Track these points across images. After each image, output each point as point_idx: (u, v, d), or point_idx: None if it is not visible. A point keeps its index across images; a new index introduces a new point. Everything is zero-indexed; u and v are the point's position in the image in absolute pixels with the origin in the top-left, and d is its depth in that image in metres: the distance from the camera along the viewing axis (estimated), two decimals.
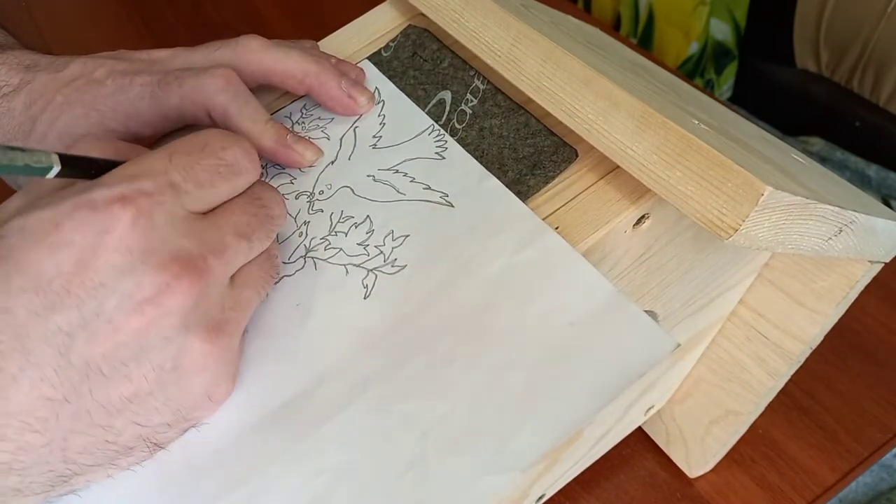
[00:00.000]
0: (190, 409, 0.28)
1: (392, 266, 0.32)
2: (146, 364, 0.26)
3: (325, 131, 0.37)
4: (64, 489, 0.26)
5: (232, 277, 0.28)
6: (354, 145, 0.36)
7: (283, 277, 0.32)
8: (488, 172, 0.33)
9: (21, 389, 0.24)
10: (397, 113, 0.37)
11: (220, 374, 0.28)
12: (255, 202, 0.29)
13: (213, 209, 0.28)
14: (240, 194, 0.29)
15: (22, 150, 0.24)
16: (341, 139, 0.37)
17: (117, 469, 0.27)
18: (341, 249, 0.33)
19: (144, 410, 0.26)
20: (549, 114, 0.33)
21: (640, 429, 0.50)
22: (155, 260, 0.25)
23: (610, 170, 0.32)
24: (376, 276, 0.31)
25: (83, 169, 0.27)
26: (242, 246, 0.28)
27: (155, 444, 0.27)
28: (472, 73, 0.37)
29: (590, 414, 0.28)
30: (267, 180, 0.36)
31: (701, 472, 0.49)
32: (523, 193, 0.32)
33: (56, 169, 0.25)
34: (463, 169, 0.34)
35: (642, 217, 0.32)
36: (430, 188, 0.34)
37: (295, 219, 0.34)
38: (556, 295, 0.30)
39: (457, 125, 0.36)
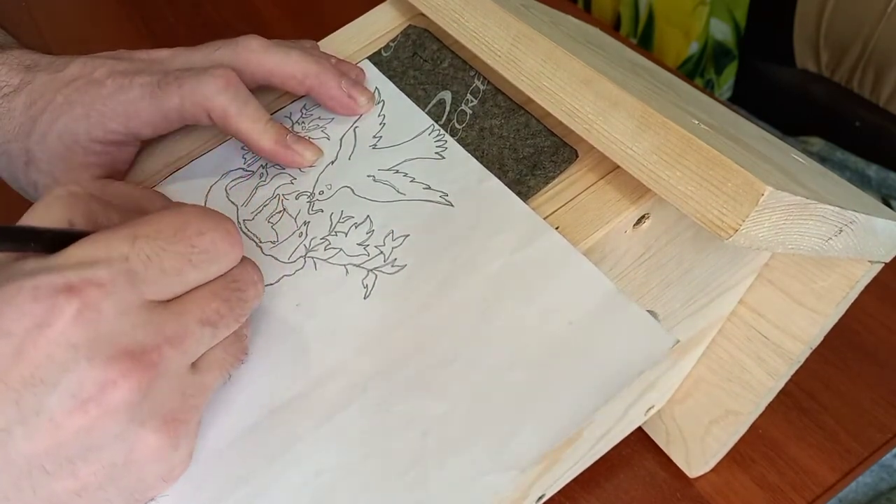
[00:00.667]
0: (144, 492, 0.26)
1: (392, 266, 0.32)
2: (95, 462, 0.24)
3: (325, 131, 0.37)
4: None
5: (196, 362, 0.27)
6: (354, 145, 0.36)
7: (283, 277, 0.32)
8: (488, 172, 0.33)
9: None
10: (397, 113, 0.37)
11: (177, 461, 0.26)
12: (229, 286, 0.27)
13: (179, 296, 0.26)
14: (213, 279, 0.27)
15: None
16: (341, 139, 0.37)
17: None
18: (341, 249, 0.33)
19: (94, 500, 0.25)
20: (549, 114, 0.33)
21: (640, 429, 0.50)
22: (101, 355, 0.23)
23: (610, 170, 0.32)
24: (376, 276, 0.31)
25: (27, 241, 0.24)
26: (206, 333, 0.26)
27: None
28: (472, 73, 0.37)
29: (590, 413, 0.28)
30: (267, 180, 0.36)
31: (701, 472, 0.49)
32: (523, 194, 0.32)
33: None
34: (463, 169, 0.34)
35: (642, 217, 0.32)
36: (430, 188, 0.34)
37: (295, 219, 0.34)
38: (556, 294, 0.30)
39: (457, 125, 0.36)
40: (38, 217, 0.26)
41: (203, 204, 0.36)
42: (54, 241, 0.25)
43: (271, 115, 0.37)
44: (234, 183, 0.36)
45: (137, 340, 0.24)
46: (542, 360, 0.29)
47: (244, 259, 0.28)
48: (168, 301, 0.26)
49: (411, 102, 0.37)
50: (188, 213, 0.26)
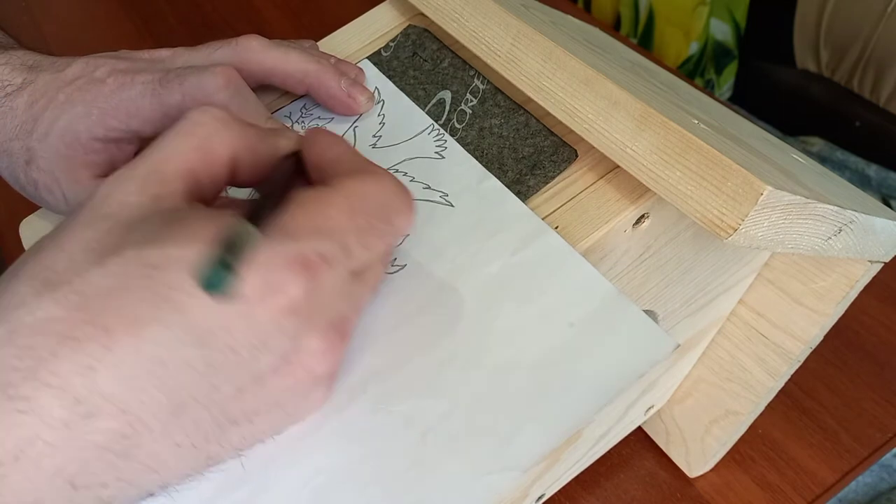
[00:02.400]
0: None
1: (392, 265, 0.32)
2: (276, 421, 0.26)
3: None
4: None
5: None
6: (354, 145, 0.36)
7: None
8: (488, 172, 0.33)
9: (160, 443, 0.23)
10: (397, 112, 0.37)
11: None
12: (389, 253, 0.30)
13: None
14: None
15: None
16: None
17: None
18: None
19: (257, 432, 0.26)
20: (548, 114, 0.33)
21: (640, 429, 0.50)
22: (318, 327, 0.25)
23: (610, 169, 0.32)
24: None
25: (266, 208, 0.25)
26: (371, 299, 0.29)
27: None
28: (472, 72, 0.37)
29: (590, 414, 0.28)
30: None
31: (701, 472, 0.49)
32: (523, 193, 0.32)
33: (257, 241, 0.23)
34: (463, 168, 0.34)
35: (642, 217, 0.32)
36: (429, 187, 0.34)
37: None
38: (557, 295, 0.30)
39: (457, 125, 0.36)
40: (196, 150, 0.26)
41: None
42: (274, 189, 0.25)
43: (271, 114, 0.37)
44: None
45: (342, 312, 0.26)
46: (542, 362, 0.29)
47: None
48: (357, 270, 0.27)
49: (411, 102, 0.37)
50: (391, 190, 0.27)
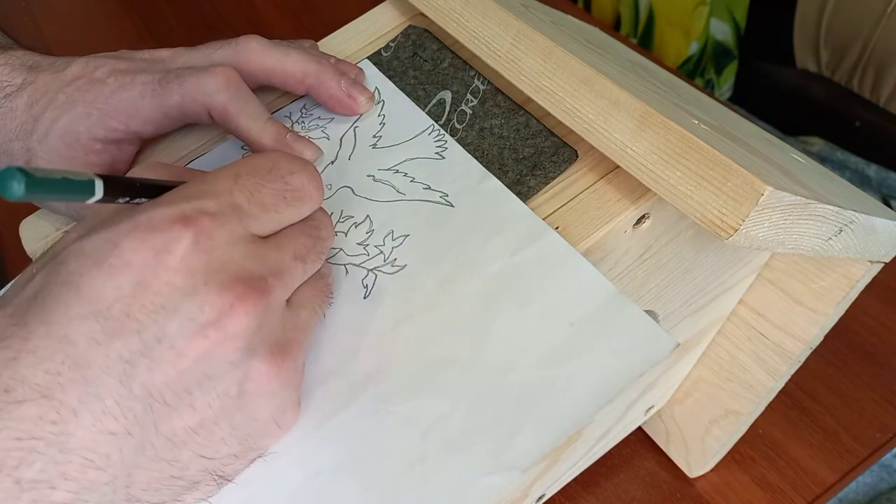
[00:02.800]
0: (257, 437, 0.27)
1: (392, 266, 0.32)
2: (211, 391, 0.25)
3: (325, 131, 0.37)
4: None
5: (287, 300, 0.28)
6: (354, 145, 0.36)
7: None
8: (488, 172, 0.33)
9: (82, 423, 0.23)
10: (397, 113, 0.37)
11: (287, 399, 0.27)
12: (311, 224, 0.29)
13: (274, 233, 0.28)
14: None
15: (65, 172, 0.23)
16: (341, 139, 0.37)
17: None
18: (341, 249, 0.33)
19: (210, 441, 0.25)
20: (549, 114, 0.33)
21: (640, 429, 0.50)
22: (217, 281, 0.24)
23: (610, 170, 0.32)
24: (376, 275, 0.31)
25: (135, 191, 0.26)
26: (299, 268, 0.28)
27: (221, 476, 0.26)
28: (472, 73, 0.37)
29: (590, 414, 0.28)
30: None
31: (701, 472, 0.49)
32: (523, 194, 0.32)
33: (98, 193, 0.23)
34: (463, 168, 0.34)
35: (642, 217, 0.32)
36: (429, 188, 0.34)
37: None
38: (557, 295, 0.30)
39: (457, 125, 0.36)
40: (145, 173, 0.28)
41: None
42: (156, 192, 0.26)
43: (271, 114, 0.37)
44: None
45: (247, 269, 0.25)
46: (542, 362, 0.29)
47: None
48: (266, 237, 0.27)
49: (411, 102, 0.37)
50: (276, 157, 0.28)
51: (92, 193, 0.23)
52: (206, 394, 0.25)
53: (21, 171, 0.21)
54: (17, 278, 0.26)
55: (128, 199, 0.25)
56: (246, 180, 0.26)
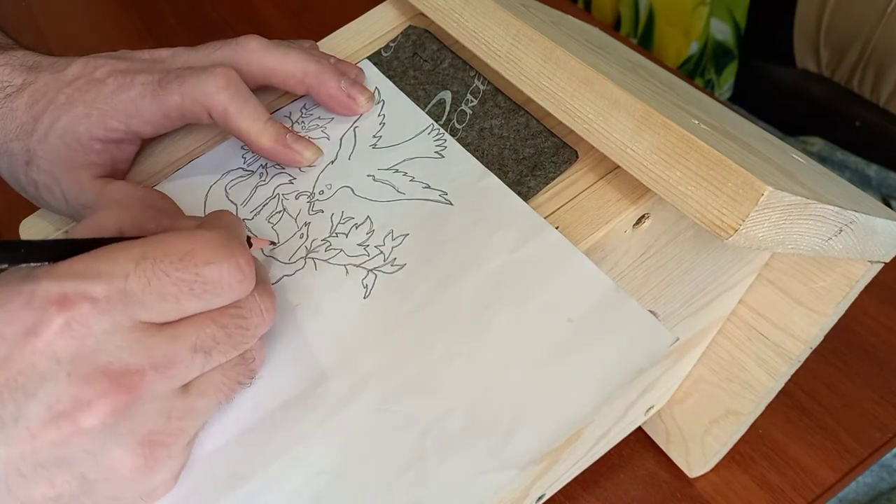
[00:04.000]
0: None
1: (392, 265, 0.32)
2: (69, 471, 0.24)
3: (325, 131, 0.37)
4: None
5: (188, 384, 0.26)
6: (354, 145, 0.36)
7: (283, 278, 0.32)
8: (487, 170, 0.33)
9: None
10: (397, 113, 0.37)
11: (156, 482, 0.26)
12: (230, 313, 0.26)
13: (174, 321, 0.26)
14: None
15: None
16: (341, 139, 0.37)
17: None
18: (342, 250, 0.33)
19: None
20: (549, 114, 0.33)
21: (640, 429, 0.50)
22: (81, 372, 0.23)
23: (610, 170, 0.32)
24: (376, 275, 0.31)
25: (29, 257, 0.24)
26: (198, 359, 0.26)
27: None
28: (472, 73, 0.37)
29: (590, 410, 0.28)
30: (267, 180, 0.36)
31: (701, 472, 0.49)
32: (524, 194, 0.32)
33: None
34: (462, 167, 0.34)
35: (642, 217, 0.32)
36: (429, 187, 0.34)
37: (295, 219, 0.34)
38: (556, 291, 0.30)
39: (457, 125, 0.36)
40: (92, 225, 0.27)
41: (203, 203, 0.36)
42: (64, 253, 0.25)
43: (271, 114, 0.37)
44: (233, 182, 0.36)
45: (122, 361, 0.24)
46: (541, 359, 0.29)
47: (258, 284, 0.27)
48: (162, 324, 0.25)
49: (411, 102, 0.37)
50: (199, 240, 0.25)
51: None
52: (63, 472, 0.24)
53: None
54: None
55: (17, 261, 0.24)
56: (148, 265, 0.24)
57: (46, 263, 0.25)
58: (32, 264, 0.25)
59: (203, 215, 0.30)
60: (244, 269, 0.26)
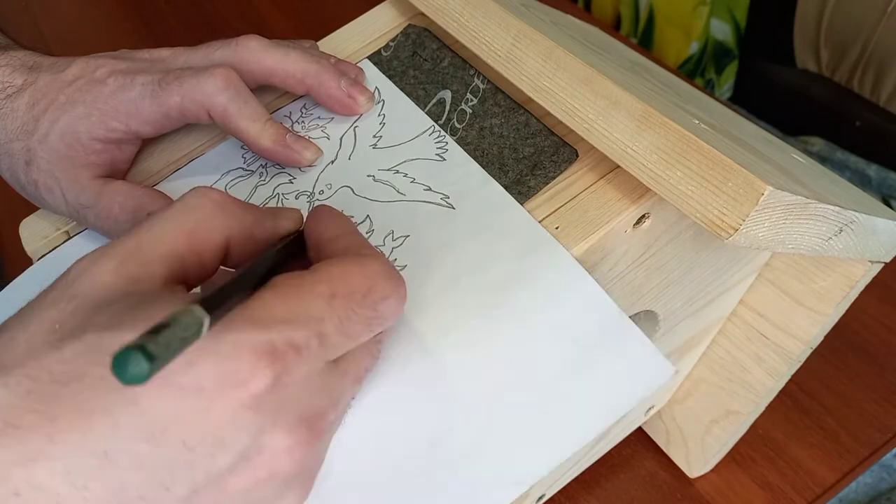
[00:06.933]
0: None
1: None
2: None
3: (325, 131, 0.37)
4: None
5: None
6: (354, 145, 0.36)
7: None
8: (489, 176, 0.33)
9: None
10: (397, 113, 0.37)
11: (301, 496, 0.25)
12: (376, 340, 0.27)
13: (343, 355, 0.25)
14: None
15: (165, 326, 0.19)
16: (341, 139, 0.36)
17: None
18: None
19: None
20: (549, 113, 0.33)
21: (640, 429, 0.50)
22: (284, 422, 0.22)
23: (610, 169, 0.32)
24: None
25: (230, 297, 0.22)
26: (355, 391, 0.26)
27: None
28: (472, 72, 0.37)
29: (591, 435, 0.28)
30: (266, 180, 0.36)
31: (701, 472, 0.49)
32: (523, 194, 0.32)
33: (206, 330, 0.20)
34: (463, 171, 0.34)
35: (642, 217, 0.32)
36: (430, 189, 0.33)
37: None
38: (561, 310, 0.29)
39: (457, 125, 0.36)
40: (190, 234, 0.24)
41: None
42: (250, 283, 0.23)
43: (271, 114, 0.37)
44: (233, 182, 0.36)
45: (314, 406, 0.23)
46: (545, 378, 0.29)
47: None
48: (335, 360, 0.25)
49: (411, 102, 0.37)
50: (377, 274, 0.25)
51: (199, 334, 0.20)
52: None
53: (141, 350, 0.18)
54: (29, 310, 0.23)
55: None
56: (340, 304, 0.24)
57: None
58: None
59: (253, 203, 0.28)
60: (404, 299, 0.26)
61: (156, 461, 0.21)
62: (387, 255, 0.32)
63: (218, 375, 0.21)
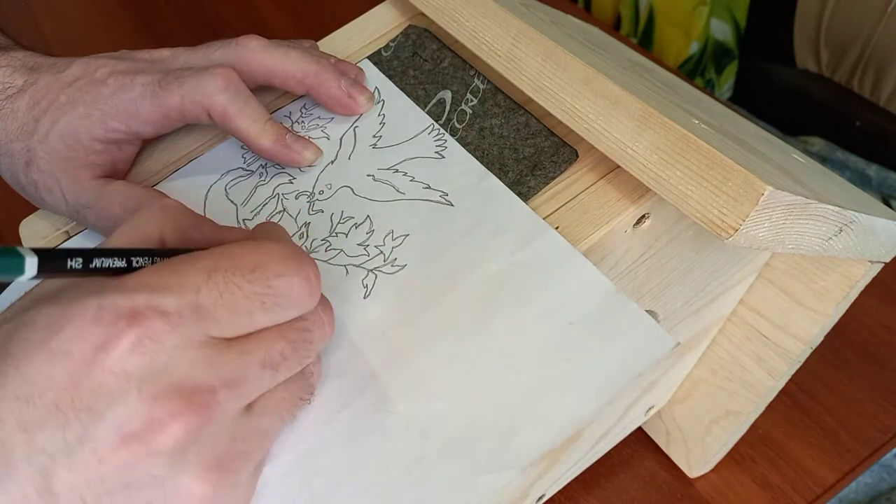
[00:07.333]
0: None
1: (392, 266, 0.32)
2: (134, 498, 0.23)
3: (325, 131, 0.37)
4: None
5: (251, 403, 0.25)
6: (354, 145, 0.36)
7: None
8: (488, 171, 0.33)
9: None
10: (397, 112, 0.37)
11: None
12: (296, 327, 0.26)
13: (244, 335, 0.24)
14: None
15: None
16: (341, 139, 0.37)
17: None
18: (342, 250, 0.33)
19: None
20: (549, 114, 0.33)
21: (640, 429, 0.50)
22: (153, 390, 0.22)
23: (610, 169, 0.32)
24: (376, 275, 0.31)
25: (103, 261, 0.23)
26: (266, 375, 0.25)
27: None
28: (472, 72, 0.37)
29: (590, 413, 0.28)
30: (266, 180, 0.36)
31: (701, 472, 0.49)
32: (524, 194, 0.32)
33: (30, 272, 0.21)
34: (463, 168, 0.34)
35: (642, 217, 0.32)
36: (429, 187, 0.34)
37: (295, 219, 0.34)
38: (557, 294, 0.30)
39: (457, 125, 0.36)
40: (131, 230, 0.26)
41: (203, 203, 0.36)
42: (131, 263, 0.24)
43: (271, 114, 0.37)
44: (233, 182, 0.36)
45: (193, 378, 0.23)
46: (542, 361, 0.29)
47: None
48: (231, 339, 0.24)
49: (411, 102, 0.37)
50: (270, 252, 0.25)
51: (20, 272, 0.21)
52: (128, 499, 0.23)
53: None
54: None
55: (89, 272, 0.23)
56: (220, 278, 0.23)
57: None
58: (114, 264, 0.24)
59: (206, 217, 0.29)
60: (313, 282, 0.25)
61: (34, 424, 0.21)
62: (387, 255, 0.32)
63: (80, 339, 0.22)
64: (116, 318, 0.22)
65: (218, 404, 0.23)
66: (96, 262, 0.23)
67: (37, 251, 0.21)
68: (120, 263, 0.24)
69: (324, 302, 0.27)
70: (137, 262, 0.24)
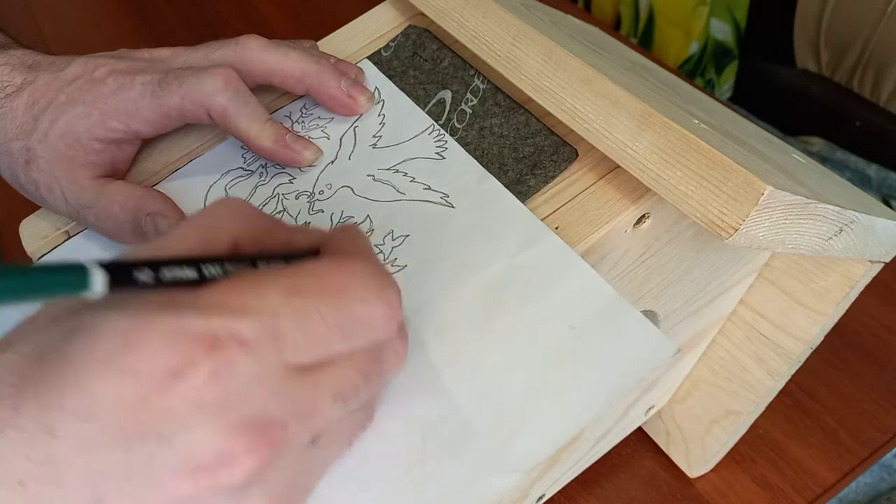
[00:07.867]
0: None
1: (392, 266, 0.32)
2: None
3: (325, 131, 0.37)
4: None
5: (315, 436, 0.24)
6: (354, 145, 0.36)
7: None
8: (488, 173, 0.33)
9: None
10: (397, 112, 0.37)
11: None
12: (370, 358, 0.24)
13: (318, 362, 0.23)
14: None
15: (49, 269, 0.18)
16: (341, 139, 0.37)
17: None
18: None
19: None
20: (549, 113, 0.33)
21: (640, 429, 0.50)
22: (226, 422, 0.21)
23: (610, 169, 0.32)
24: None
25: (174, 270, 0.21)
26: (337, 408, 0.23)
27: None
28: (472, 72, 0.37)
29: (591, 418, 0.28)
30: (266, 180, 0.36)
31: (701, 472, 0.49)
32: (523, 193, 0.32)
33: (97, 288, 0.19)
34: (463, 169, 0.34)
35: (642, 217, 0.32)
36: (430, 188, 0.34)
37: (295, 219, 0.34)
38: (557, 298, 0.30)
39: (457, 125, 0.36)
40: (203, 231, 0.24)
41: (203, 203, 0.36)
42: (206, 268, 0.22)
43: (271, 114, 0.37)
44: (233, 182, 0.36)
45: (267, 411, 0.21)
46: (542, 365, 0.28)
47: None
48: (303, 367, 0.23)
49: (411, 102, 0.37)
50: (355, 273, 0.23)
51: (85, 288, 0.19)
52: None
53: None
54: (39, 310, 0.23)
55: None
56: (299, 302, 0.22)
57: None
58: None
59: (280, 220, 0.27)
60: (395, 308, 0.24)
61: (94, 444, 0.20)
62: (387, 255, 0.32)
63: (153, 360, 0.20)
64: (193, 342, 0.20)
65: (287, 439, 0.22)
66: (167, 274, 0.22)
67: (104, 265, 0.20)
68: (192, 274, 0.22)
69: (401, 329, 0.26)
70: (209, 271, 0.23)
